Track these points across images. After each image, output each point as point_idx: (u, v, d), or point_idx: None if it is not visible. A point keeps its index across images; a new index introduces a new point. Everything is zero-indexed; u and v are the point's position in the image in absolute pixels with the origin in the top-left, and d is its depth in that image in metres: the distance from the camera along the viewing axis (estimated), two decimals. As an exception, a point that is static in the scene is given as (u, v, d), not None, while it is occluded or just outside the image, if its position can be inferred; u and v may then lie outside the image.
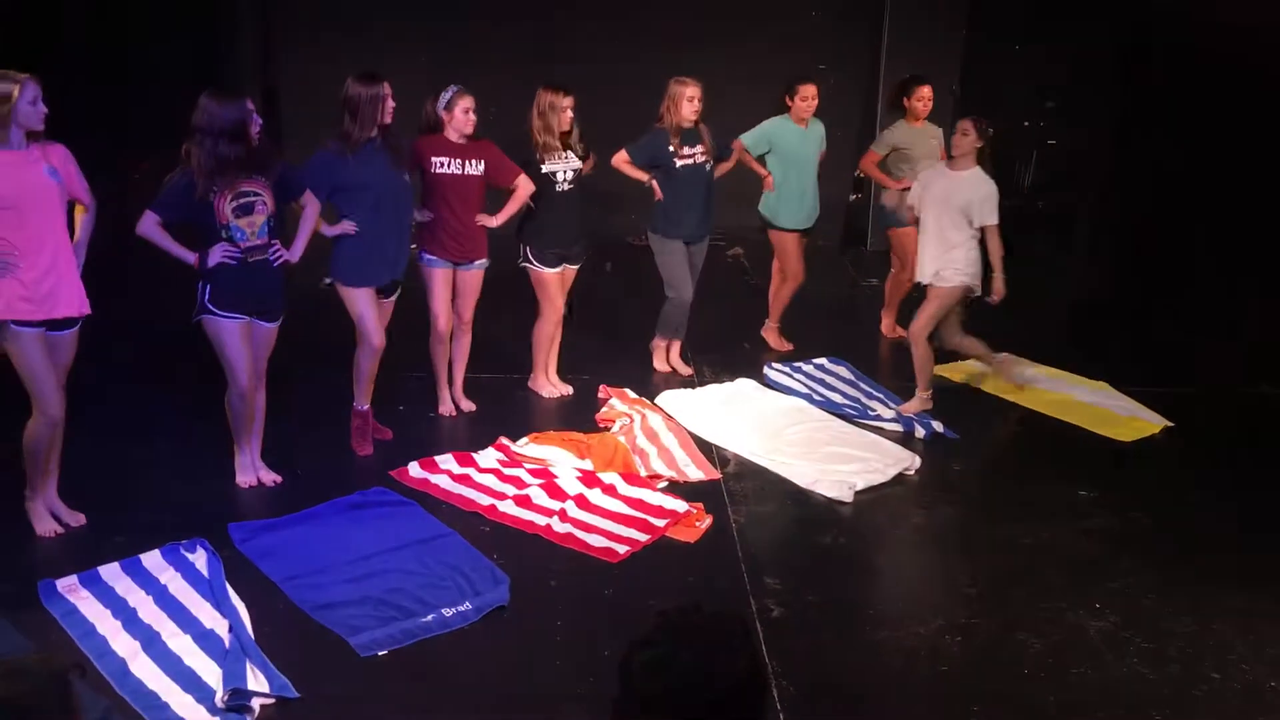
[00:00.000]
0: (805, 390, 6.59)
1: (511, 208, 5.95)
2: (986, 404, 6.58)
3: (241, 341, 4.93)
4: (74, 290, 4.52)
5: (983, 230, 6.01)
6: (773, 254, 7.34)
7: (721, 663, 1.68)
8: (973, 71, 9.67)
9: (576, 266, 6.34)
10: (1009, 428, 6.41)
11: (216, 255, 4.80)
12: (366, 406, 5.66)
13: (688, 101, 6.33)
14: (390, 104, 5.29)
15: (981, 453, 6.08)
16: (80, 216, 4.65)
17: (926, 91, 7.20)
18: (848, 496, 5.30)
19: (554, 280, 6.21)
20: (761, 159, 7.01)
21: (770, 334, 7.42)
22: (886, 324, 7.70)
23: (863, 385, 6.75)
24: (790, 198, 7.03)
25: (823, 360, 7.06)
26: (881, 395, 6.58)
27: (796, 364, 6.98)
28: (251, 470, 5.25)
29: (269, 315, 5.02)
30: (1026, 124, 9.92)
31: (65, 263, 4.48)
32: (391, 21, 9.51)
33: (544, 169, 5.99)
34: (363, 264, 5.41)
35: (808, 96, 6.93)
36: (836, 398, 6.51)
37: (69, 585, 4.30)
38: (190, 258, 4.81)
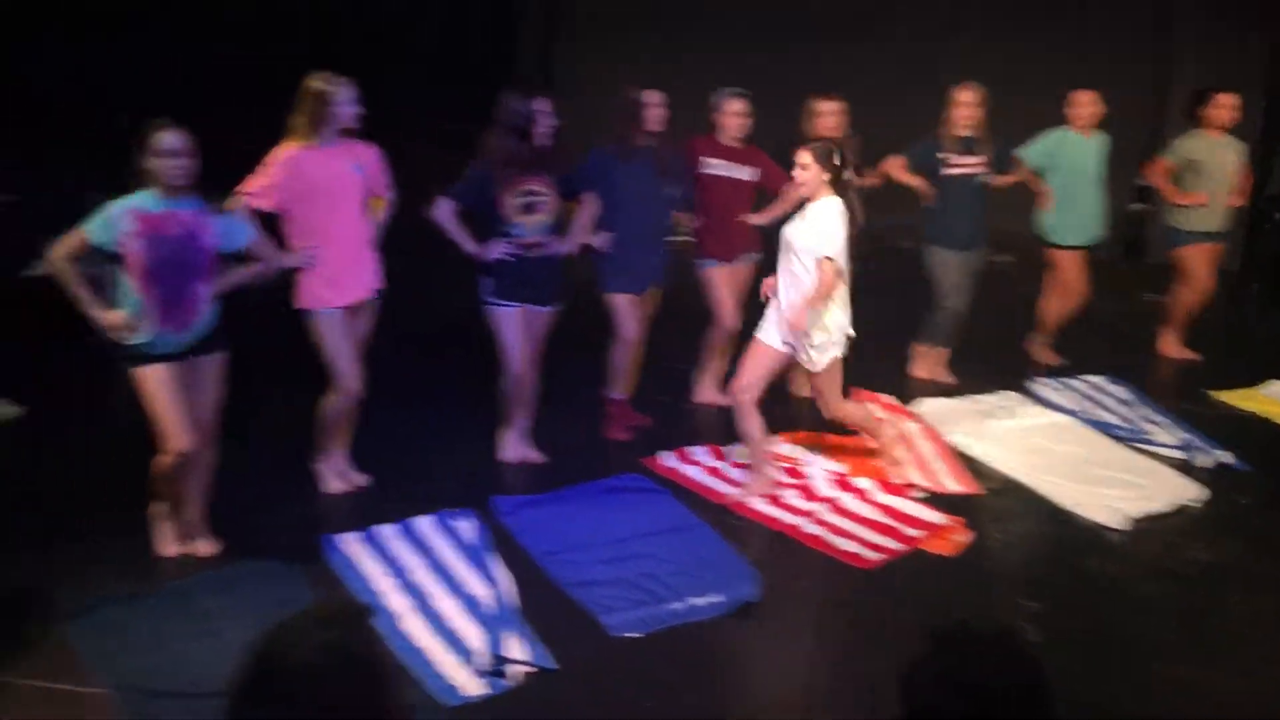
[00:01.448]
0: (1076, 407, 6.27)
1: (778, 208, 5.94)
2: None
3: (519, 330, 5.14)
4: (369, 271, 4.85)
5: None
6: (1048, 267, 7.01)
7: (1009, 682, 1.61)
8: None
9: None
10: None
11: (495, 251, 5.01)
12: (620, 396, 5.79)
13: (962, 107, 6.14)
14: (661, 113, 5.36)
15: (1274, 487, 5.59)
16: (378, 206, 4.97)
17: (1228, 100, 6.68)
18: (1118, 523, 5.01)
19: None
20: (1040, 173, 6.69)
21: (1039, 348, 7.10)
22: (1168, 343, 7.21)
23: (1142, 407, 6.34)
24: (1072, 213, 6.69)
25: (1097, 378, 6.69)
26: (1164, 419, 6.17)
27: (1067, 379, 6.64)
28: (517, 447, 5.47)
29: (546, 302, 5.21)
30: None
31: (363, 251, 4.81)
32: (672, 23, 9.64)
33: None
34: (621, 270, 5.54)
35: (1078, 104, 6.57)
36: (1110, 418, 6.16)
37: (351, 541, 4.62)
38: (473, 249, 5.06)
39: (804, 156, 4.85)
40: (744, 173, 5.81)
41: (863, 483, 5.28)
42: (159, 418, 4.22)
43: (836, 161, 4.84)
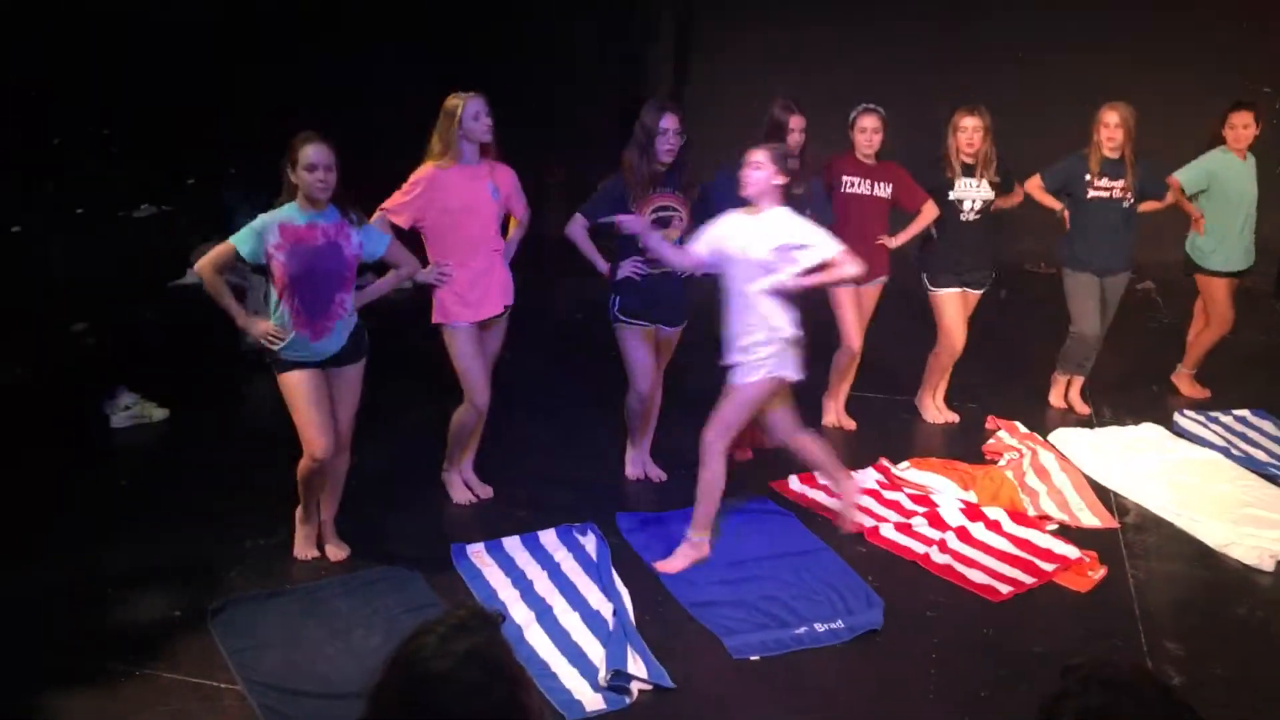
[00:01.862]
0: (1223, 443, 5.98)
1: (913, 230, 5.86)
2: None
3: (645, 349, 5.15)
4: (502, 289, 4.93)
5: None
6: (1194, 294, 6.73)
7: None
8: None
9: (979, 291, 6.12)
10: None
11: (626, 269, 5.03)
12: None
13: (1104, 128, 5.95)
14: (800, 137, 5.30)
15: None
16: (513, 226, 5.06)
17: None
18: (1268, 566, 4.76)
19: (950, 305, 6.03)
20: (1194, 197, 6.43)
21: (1183, 380, 6.81)
22: None
23: (1294, 444, 6.04)
24: (1226, 238, 6.40)
25: (1245, 412, 6.39)
26: (1319, 458, 5.85)
27: (1213, 414, 6.36)
28: (640, 465, 5.48)
29: (673, 321, 5.21)
30: None
31: (496, 268, 4.89)
32: (808, 35, 9.57)
33: (951, 195, 5.83)
34: None
35: (1235, 125, 6.29)
36: (1260, 455, 5.86)
37: (477, 551, 4.69)
38: (603, 267, 5.09)
39: (758, 155, 4.43)
40: (880, 189, 5.73)
41: (994, 513, 5.13)
42: (300, 422, 4.35)
43: (792, 166, 4.56)
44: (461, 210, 4.73)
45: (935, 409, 6.32)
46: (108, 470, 5.48)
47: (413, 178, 4.74)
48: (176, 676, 3.83)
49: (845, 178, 5.69)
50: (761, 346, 4.45)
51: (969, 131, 5.77)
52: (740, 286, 4.46)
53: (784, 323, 4.46)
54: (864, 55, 9.30)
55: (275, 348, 4.28)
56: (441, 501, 5.18)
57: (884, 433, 6.10)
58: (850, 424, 6.17)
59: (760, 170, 4.42)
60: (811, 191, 5.41)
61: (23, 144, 7.06)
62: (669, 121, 4.89)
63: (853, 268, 4.48)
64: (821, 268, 4.44)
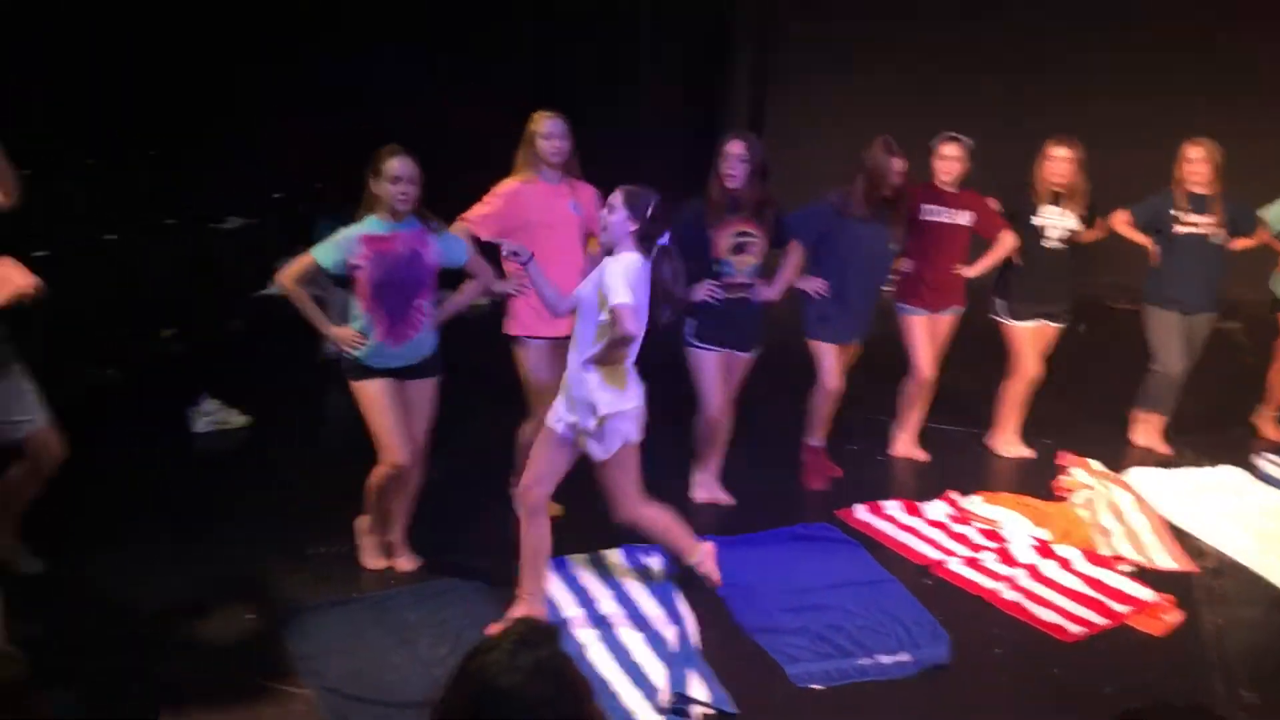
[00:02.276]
0: (1306, 488, 5.83)
1: (990, 259, 5.82)
2: None
3: (718, 373, 5.17)
4: None
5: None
6: (1277, 333, 6.57)
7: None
8: None
9: (1058, 325, 6.04)
10: None
11: (701, 292, 5.06)
12: (819, 444, 5.73)
13: (1187, 163, 5.87)
14: (900, 180, 5.29)
15: None
16: (593, 245, 5.11)
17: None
18: (1353, 617, 4.62)
19: (1026, 337, 5.96)
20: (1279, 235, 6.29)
21: (1266, 422, 6.64)
22: None
23: (1382, 493, 5.85)
24: None
25: (1330, 457, 6.21)
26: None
27: (1297, 457, 6.19)
28: (708, 488, 5.48)
29: (746, 347, 5.22)
30: None
31: (574, 286, 4.93)
32: (886, 71, 9.54)
33: (1033, 220, 5.78)
34: (831, 320, 5.50)
35: None
36: (1346, 502, 5.70)
37: (542, 568, 4.72)
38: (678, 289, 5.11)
39: (615, 197, 4.10)
40: (960, 218, 5.70)
41: (1066, 551, 5.04)
42: (377, 430, 4.43)
43: (649, 215, 4.07)
44: (541, 225, 4.80)
45: (1008, 443, 6.24)
46: (187, 474, 5.63)
47: (494, 190, 4.82)
48: (257, 680, 3.91)
49: (924, 205, 5.67)
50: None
51: (1060, 161, 5.72)
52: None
53: (614, 393, 4.09)
54: (944, 89, 9.22)
55: (356, 353, 4.37)
56: (509, 516, 5.22)
57: (955, 465, 6.03)
58: (921, 455, 6.12)
59: (613, 214, 4.08)
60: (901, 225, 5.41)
61: (121, 156, 7.32)
62: (734, 147, 4.94)
63: (630, 325, 3.94)
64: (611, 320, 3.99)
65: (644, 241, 4.08)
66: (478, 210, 4.81)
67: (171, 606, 4.35)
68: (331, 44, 8.72)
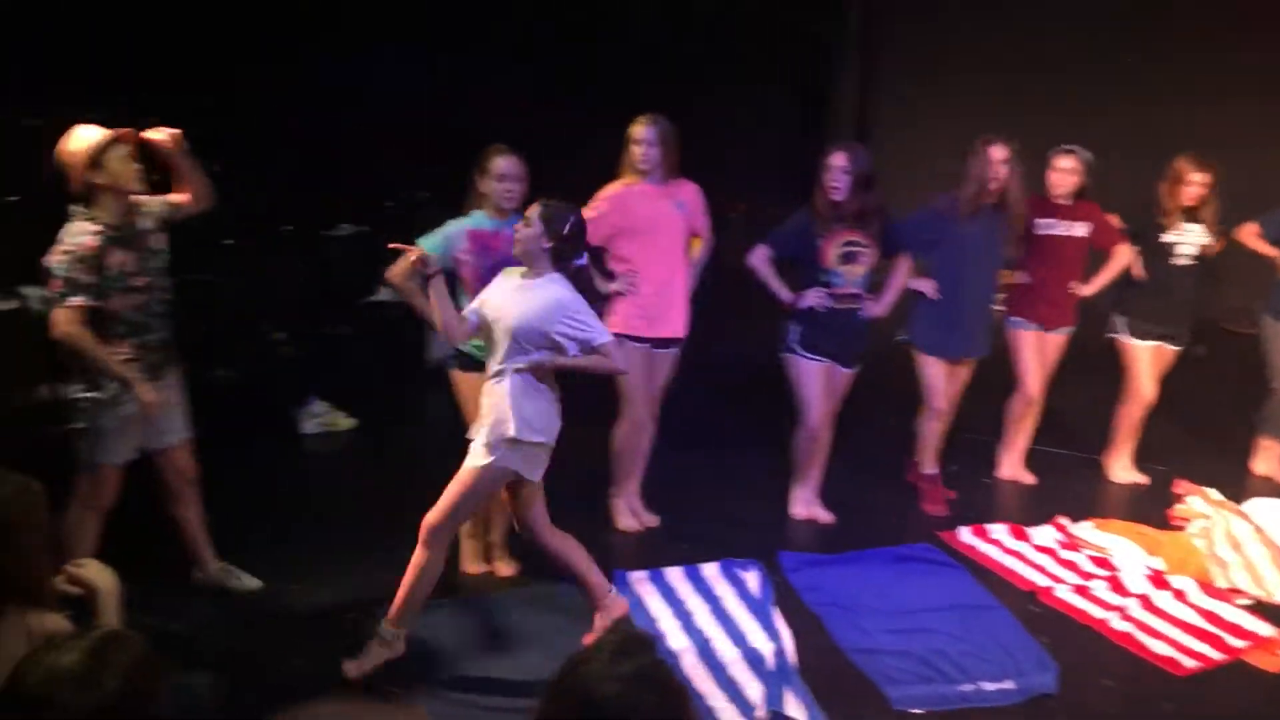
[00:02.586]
0: None
1: (1106, 275, 5.66)
2: None
3: (819, 383, 5.11)
4: (681, 314, 4.99)
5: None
6: None
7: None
8: None
9: (1177, 348, 5.84)
10: None
11: (809, 299, 5.01)
12: (932, 470, 5.62)
13: None
14: (1003, 170, 5.19)
15: None
16: (696, 247, 5.11)
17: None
18: None
19: (1144, 358, 5.77)
20: None
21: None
22: None
23: None
24: None
25: None
26: None
27: None
28: (806, 504, 5.43)
29: (849, 361, 5.15)
30: None
31: (679, 288, 4.96)
32: (996, 75, 9.34)
33: (1162, 238, 5.59)
34: (939, 332, 5.39)
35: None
36: None
37: (639, 578, 4.73)
38: (786, 296, 5.08)
39: (532, 211, 3.91)
40: (1076, 230, 5.55)
41: (1181, 582, 4.86)
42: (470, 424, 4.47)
43: (565, 233, 3.89)
44: (647, 227, 4.83)
45: (1121, 469, 6.05)
46: (296, 473, 5.77)
47: (599, 195, 4.86)
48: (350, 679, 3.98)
49: (1039, 219, 5.53)
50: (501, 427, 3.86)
51: (1197, 186, 5.52)
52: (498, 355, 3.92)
53: (533, 412, 3.88)
54: (1056, 100, 8.98)
55: (458, 346, 4.42)
56: (606, 525, 5.24)
57: (1063, 489, 5.86)
58: (1028, 478, 5.96)
59: (529, 228, 3.88)
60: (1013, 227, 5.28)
61: (242, 165, 7.55)
62: (836, 159, 4.91)
63: (618, 363, 3.97)
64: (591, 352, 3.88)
65: (559, 260, 3.90)
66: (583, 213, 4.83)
67: (275, 607, 4.46)
68: (424, 48, 8.87)
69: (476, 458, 3.88)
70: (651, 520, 5.28)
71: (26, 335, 5.58)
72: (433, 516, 3.94)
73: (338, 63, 8.23)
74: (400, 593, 3.95)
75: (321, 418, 6.28)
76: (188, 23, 7.00)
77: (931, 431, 5.53)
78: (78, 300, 3.87)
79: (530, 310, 3.83)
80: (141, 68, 6.57)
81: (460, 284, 4.47)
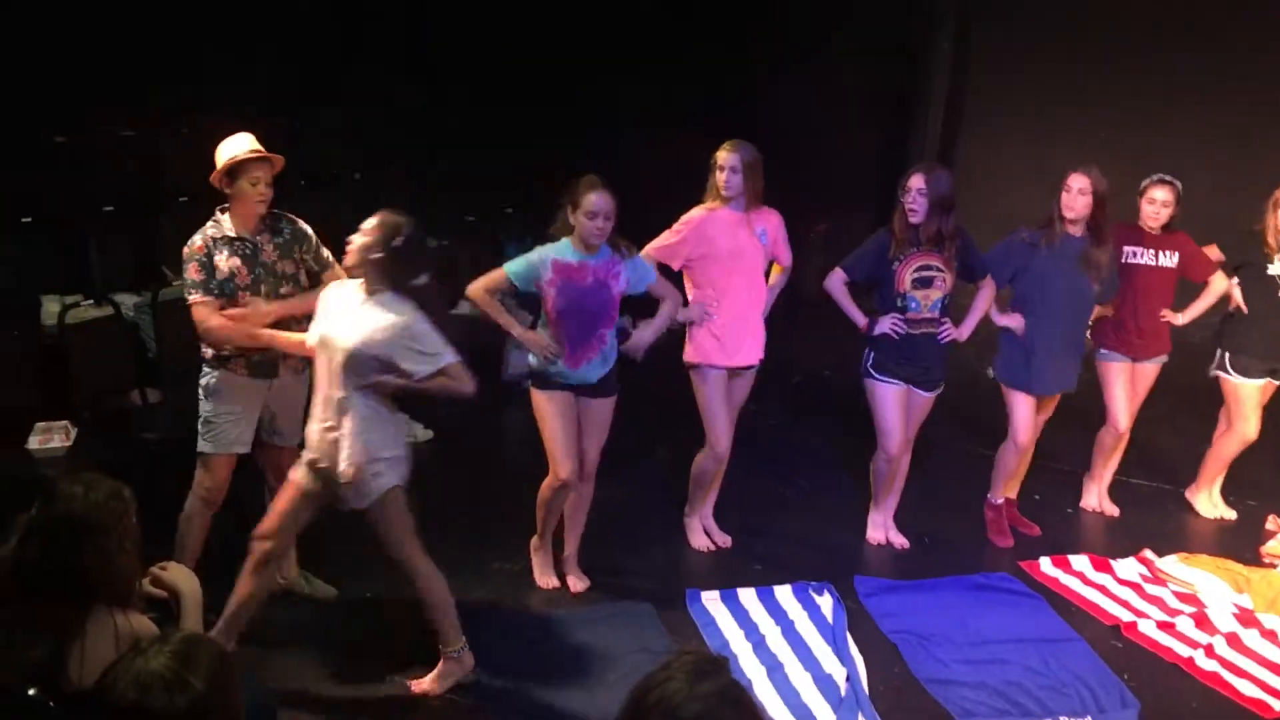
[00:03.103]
0: None
1: (1200, 305, 5.51)
2: None
3: (897, 408, 5.04)
4: (757, 340, 4.97)
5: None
6: None
7: None
8: None
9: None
10: None
11: (884, 325, 4.95)
12: (1001, 500, 5.52)
13: None
14: (1085, 200, 5.07)
15: None
16: (775, 273, 5.09)
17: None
18: None
19: (1252, 395, 5.53)
20: None
21: None
22: None
23: None
24: None
25: None
26: None
27: None
28: (883, 529, 5.36)
29: (928, 385, 5.08)
30: None
31: (756, 317, 4.94)
32: (1088, 100, 9.13)
33: (1269, 270, 5.42)
34: (1025, 366, 5.23)
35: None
36: None
37: (711, 598, 4.71)
38: (861, 321, 5.03)
39: (369, 222, 3.74)
40: (1166, 260, 5.41)
41: (1271, 621, 4.70)
42: (548, 440, 4.51)
43: (395, 246, 3.70)
44: (727, 254, 4.80)
45: (1211, 503, 5.87)
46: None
47: (682, 219, 4.86)
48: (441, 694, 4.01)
49: (1128, 248, 5.40)
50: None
51: None
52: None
53: (382, 437, 3.81)
54: (1153, 127, 8.70)
55: (538, 365, 4.47)
56: (680, 544, 5.23)
57: (1150, 523, 5.70)
58: (1113, 510, 5.81)
59: (363, 237, 3.72)
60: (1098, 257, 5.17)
61: (331, 178, 7.73)
62: (915, 180, 4.84)
63: (466, 386, 3.82)
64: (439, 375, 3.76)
65: (390, 275, 3.71)
66: (665, 238, 4.85)
67: (356, 613, 4.52)
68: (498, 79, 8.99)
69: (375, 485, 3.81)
70: (724, 540, 5.26)
71: (119, 342, 5.77)
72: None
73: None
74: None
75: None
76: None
77: (1008, 463, 5.42)
78: (195, 296, 4.07)
79: (368, 333, 3.66)
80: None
81: (543, 308, 4.50)
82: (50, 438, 5.21)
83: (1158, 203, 5.36)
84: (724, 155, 4.78)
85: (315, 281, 4.27)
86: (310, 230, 4.33)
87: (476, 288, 4.48)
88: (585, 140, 8.43)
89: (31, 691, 2.42)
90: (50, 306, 5.62)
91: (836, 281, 5.03)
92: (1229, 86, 8.69)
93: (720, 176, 4.79)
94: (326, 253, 4.35)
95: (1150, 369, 5.56)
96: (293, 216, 4.31)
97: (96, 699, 1.92)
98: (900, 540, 5.33)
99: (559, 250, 4.43)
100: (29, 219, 5.58)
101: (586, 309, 4.42)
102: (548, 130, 8.95)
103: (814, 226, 9.02)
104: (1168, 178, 5.39)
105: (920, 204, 4.82)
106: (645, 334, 4.65)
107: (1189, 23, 8.72)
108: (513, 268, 4.43)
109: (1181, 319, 5.49)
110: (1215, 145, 8.41)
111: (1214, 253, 5.58)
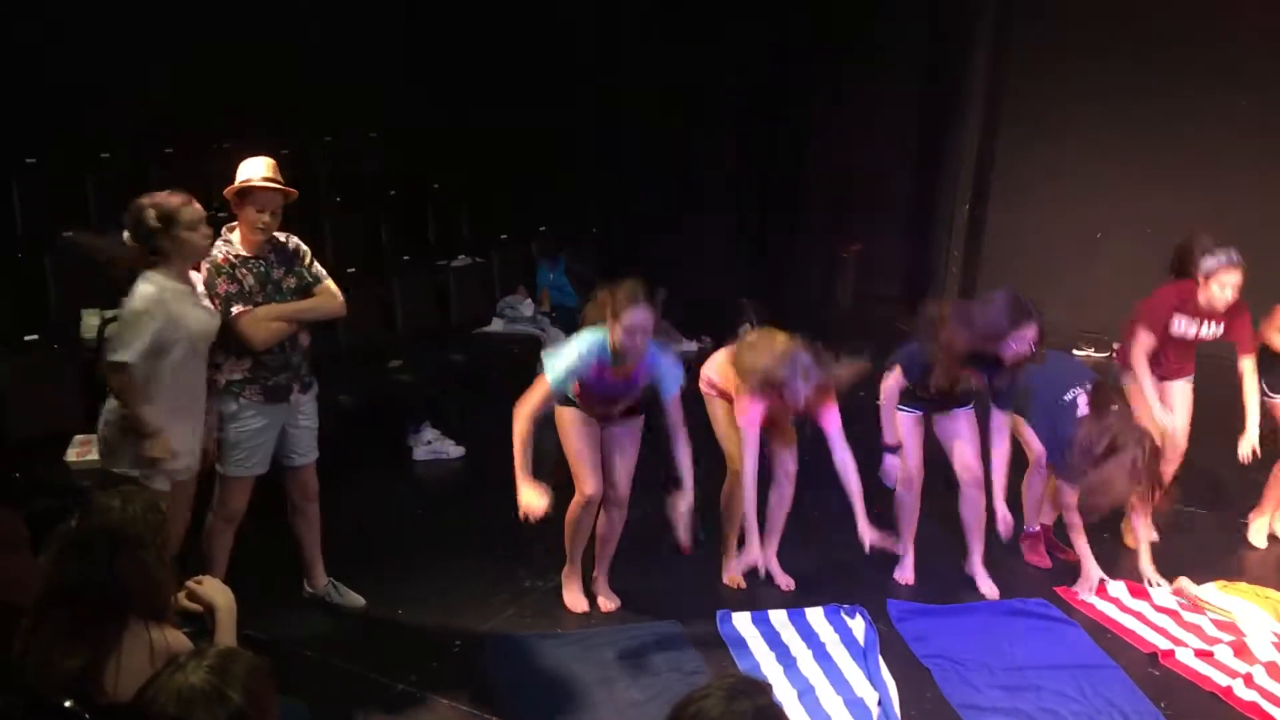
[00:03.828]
0: None
1: (1251, 412, 5.33)
2: None
3: (912, 436, 4.99)
4: None
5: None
6: None
7: None
8: None
9: None
10: None
11: (888, 475, 4.98)
12: (1037, 528, 5.45)
13: None
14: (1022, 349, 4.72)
15: None
16: None
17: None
18: None
19: None
20: None
21: None
22: None
23: None
24: None
25: None
26: None
27: None
28: (910, 570, 5.25)
29: (949, 406, 5.01)
30: None
31: None
32: (1126, 138, 8.97)
33: None
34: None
35: None
36: None
37: (743, 620, 4.69)
38: (889, 440, 5.00)
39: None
40: (1209, 329, 5.30)
41: (1313, 651, 4.62)
42: (572, 458, 4.52)
43: (153, 226, 3.78)
44: None
45: (1261, 531, 5.76)
46: (406, 499, 5.88)
47: None
48: (448, 702, 4.04)
49: (1179, 316, 5.26)
50: None
51: None
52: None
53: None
54: (1194, 169, 8.40)
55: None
56: (711, 565, 5.21)
57: (1190, 548, 5.61)
58: (1152, 535, 5.72)
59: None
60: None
61: (372, 197, 7.80)
62: (1032, 331, 4.62)
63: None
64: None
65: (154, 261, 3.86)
66: None
67: (382, 625, 4.54)
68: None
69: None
70: (787, 582, 5.19)
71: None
72: None
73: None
74: None
75: (432, 445, 6.40)
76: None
77: (1035, 488, 5.36)
78: (238, 308, 4.10)
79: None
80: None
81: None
82: (88, 450, 5.24)
83: (1228, 286, 5.13)
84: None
85: (305, 294, 4.31)
86: (305, 246, 4.38)
87: (525, 413, 4.30)
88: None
89: (67, 703, 2.45)
90: (89, 320, 5.69)
91: (893, 388, 4.93)
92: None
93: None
94: (319, 268, 4.39)
95: (1177, 387, 5.49)
96: (287, 234, 4.36)
97: (137, 714, 1.95)
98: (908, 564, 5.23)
99: (599, 354, 4.27)
100: (69, 233, 5.65)
101: (611, 395, 4.47)
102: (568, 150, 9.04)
103: (847, 247, 9.01)
104: (1237, 258, 5.15)
105: (1016, 355, 4.66)
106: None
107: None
108: (556, 380, 4.30)
109: (1245, 447, 5.32)
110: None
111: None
